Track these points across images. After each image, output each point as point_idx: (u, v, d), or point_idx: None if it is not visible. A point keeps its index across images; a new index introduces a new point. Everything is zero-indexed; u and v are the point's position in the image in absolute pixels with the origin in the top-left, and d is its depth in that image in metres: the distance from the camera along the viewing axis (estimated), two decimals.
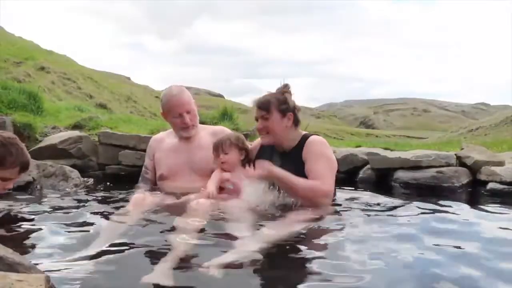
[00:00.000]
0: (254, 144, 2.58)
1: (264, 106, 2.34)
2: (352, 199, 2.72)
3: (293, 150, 2.32)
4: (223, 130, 2.76)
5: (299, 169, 2.24)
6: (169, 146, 2.66)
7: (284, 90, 2.37)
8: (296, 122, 2.36)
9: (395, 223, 2.15)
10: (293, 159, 2.28)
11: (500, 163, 3.35)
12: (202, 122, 2.81)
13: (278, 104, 2.31)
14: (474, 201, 2.76)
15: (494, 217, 2.37)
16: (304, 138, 2.34)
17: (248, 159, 2.43)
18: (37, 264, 1.35)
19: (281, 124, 2.31)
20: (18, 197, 2.63)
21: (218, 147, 2.38)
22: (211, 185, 2.31)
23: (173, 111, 2.58)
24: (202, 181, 2.42)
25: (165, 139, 2.74)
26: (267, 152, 2.41)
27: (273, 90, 2.39)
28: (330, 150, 2.36)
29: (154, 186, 2.68)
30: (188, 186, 2.45)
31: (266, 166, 2.18)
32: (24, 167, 1.97)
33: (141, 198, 2.26)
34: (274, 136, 2.34)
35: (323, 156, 2.28)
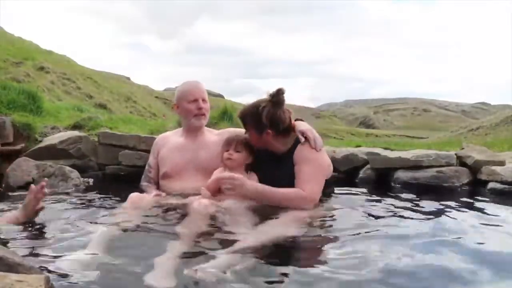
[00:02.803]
0: None
1: (242, 120, 2.34)
2: (352, 199, 2.72)
3: (287, 154, 2.29)
4: (234, 131, 2.71)
5: (293, 172, 2.23)
6: (174, 144, 2.66)
7: (270, 100, 2.24)
8: (281, 133, 2.27)
9: (396, 223, 2.15)
10: (286, 162, 2.26)
11: (501, 163, 3.35)
12: None
13: (252, 122, 2.27)
14: (474, 201, 2.76)
15: (494, 217, 2.36)
16: (298, 141, 2.31)
17: (251, 166, 2.43)
18: (37, 264, 1.35)
19: (260, 140, 2.28)
20: (18, 197, 2.62)
21: (232, 142, 2.36)
22: (211, 185, 2.31)
23: (190, 95, 2.59)
24: (206, 180, 2.41)
25: (170, 138, 2.74)
26: (266, 153, 2.41)
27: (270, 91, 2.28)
28: (321, 154, 2.28)
29: (157, 186, 2.68)
30: (191, 185, 2.44)
31: (237, 183, 2.14)
32: None
33: (139, 198, 2.25)
34: (256, 145, 2.34)
35: (311, 160, 2.23)
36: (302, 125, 2.35)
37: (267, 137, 2.25)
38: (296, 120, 2.41)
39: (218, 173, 2.35)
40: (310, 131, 2.30)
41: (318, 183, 2.23)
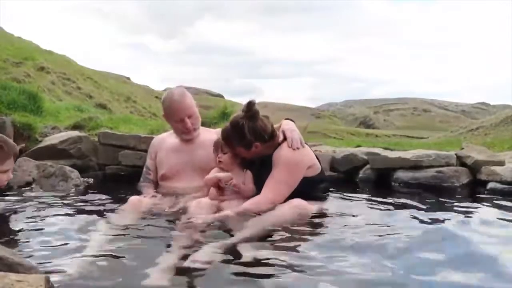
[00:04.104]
0: None
1: (226, 143, 2.32)
2: (351, 198, 2.72)
3: (271, 155, 2.29)
4: None
5: None
6: (171, 146, 2.67)
7: (245, 115, 2.24)
8: (267, 141, 2.27)
9: (395, 223, 2.15)
10: (270, 163, 2.27)
11: (501, 163, 3.35)
12: (202, 123, 2.80)
13: (238, 141, 2.26)
14: (474, 201, 2.76)
15: (494, 217, 2.37)
16: (279, 144, 2.31)
17: (246, 164, 2.43)
18: (37, 264, 1.35)
19: (251, 154, 2.30)
20: (18, 197, 2.63)
21: (217, 146, 2.39)
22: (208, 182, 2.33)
23: (175, 116, 2.57)
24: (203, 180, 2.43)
25: (167, 139, 2.74)
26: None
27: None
28: (296, 153, 2.24)
29: (155, 188, 2.69)
30: (189, 186, 2.46)
31: (199, 221, 2.03)
32: (16, 155, 2.07)
33: (138, 200, 2.27)
34: (249, 158, 2.33)
35: (282, 161, 2.22)
36: (285, 124, 2.37)
37: (257, 149, 2.27)
38: (286, 119, 2.42)
39: (215, 172, 2.37)
40: (290, 130, 2.31)
41: (280, 185, 2.21)
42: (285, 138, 2.29)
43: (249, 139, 2.24)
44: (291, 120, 2.46)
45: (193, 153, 2.59)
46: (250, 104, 2.25)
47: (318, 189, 2.37)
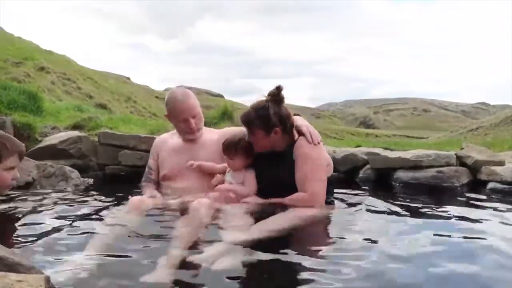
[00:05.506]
0: None
1: (246, 124, 2.26)
2: (351, 198, 2.72)
3: (287, 150, 2.25)
4: (235, 130, 2.65)
5: (292, 168, 2.21)
6: (173, 147, 2.66)
7: (272, 99, 2.22)
8: (285, 130, 2.24)
9: (395, 223, 2.15)
10: (287, 159, 2.23)
11: (500, 163, 3.35)
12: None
13: (260, 122, 2.20)
14: (474, 201, 2.76)
15: (494, 217, 2.37)
16: (294, 141, 2.27)
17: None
18: (37, 264, 1.35)
19: (267, 141, 2.23)
20: (18, 197, 2.63)
21: (225, 150, 2.34)
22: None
23: (179, 116, 2.56)
24: (205, 181, 2.42)
25: (168, 140, 2.74)
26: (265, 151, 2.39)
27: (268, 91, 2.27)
28: (319, 151, 2.23)
29: (157, 187, 2.69)
30: (191, 186, 2.45)
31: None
32: (22, 154, 2.04)
33: (139, 200, 2.26)
34: (261, 149, 2.29)
35: (309, 158, 2.18)
36: (298, 120, 2.32)
37: (275, 136, 2.21)
38: (295, 115, 2.40)
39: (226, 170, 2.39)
40: (305, 126, 2.27)
41: (318, 181, 2.19)
42: (299, 134, 2.24)
43: (273, 122, 2.18)
44: (299, 115, 2.42)
45: (194, 153, 2.59)
46: (280, 89, 2.21)
47: (329, 191, 2.33)
